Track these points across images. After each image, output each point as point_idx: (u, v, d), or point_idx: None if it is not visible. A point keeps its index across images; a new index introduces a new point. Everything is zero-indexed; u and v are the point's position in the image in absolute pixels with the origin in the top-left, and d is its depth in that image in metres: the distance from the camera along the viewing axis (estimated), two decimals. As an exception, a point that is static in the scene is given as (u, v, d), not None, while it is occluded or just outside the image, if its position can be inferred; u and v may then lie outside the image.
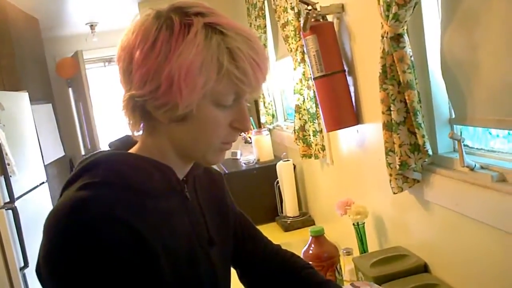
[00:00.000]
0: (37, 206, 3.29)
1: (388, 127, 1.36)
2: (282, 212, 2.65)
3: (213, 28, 0.74)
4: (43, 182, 3.51)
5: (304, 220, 2.52)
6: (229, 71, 0.74)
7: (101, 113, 5.50)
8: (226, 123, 0.80)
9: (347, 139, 1.89)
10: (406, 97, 1.27)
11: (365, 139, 1.72)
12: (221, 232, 0.95)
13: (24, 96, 3.47)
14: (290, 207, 2.57)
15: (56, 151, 4.31)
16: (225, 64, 0.73)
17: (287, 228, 2.49)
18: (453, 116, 1.33)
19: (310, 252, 1.54)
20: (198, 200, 0.92)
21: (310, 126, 2.11)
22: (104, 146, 4.95)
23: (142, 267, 0.72)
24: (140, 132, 0.84)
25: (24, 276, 2.83)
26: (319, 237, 1.55)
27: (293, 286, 1.03)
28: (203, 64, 0.73)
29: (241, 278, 1.09)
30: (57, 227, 0.71)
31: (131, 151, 0.85)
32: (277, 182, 2.63)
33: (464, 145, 1.20)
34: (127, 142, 0.88)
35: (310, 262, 1.49)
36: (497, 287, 1.11)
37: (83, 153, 5.36)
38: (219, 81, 0.74)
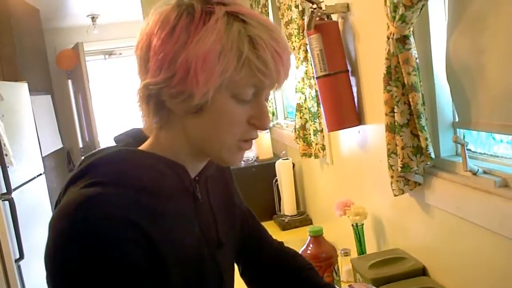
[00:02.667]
0: (34, 198, 3.28)
1: (391, 129, 1.35)
2: (280, 211, 2.64)
3: (234, 16, 0.71)
4: (40, 174, 3.50)
5: (302, 219, 2.51)
6: (249, 60, 0.70)
7: (100, 106, 5.48)
8: (244, 119, 0.76)
9: (348, 139, 1.88)
10: (410, 99, 1.27)
11: (367, 140, 1.72)
12: (229, 232, 0.94)
13: (23, 87, 3.45)
14: (288, 206, 2.56)
15: (54, 143, 4.30)
16: (245, 52, 0.70)
17: (285, 227, 2.48)
18: (457, 119, 1.32)
19: (308, 252, 1.53)
20: (209, 200, 0.88)
21: (311, 125, 2.10)
22: (102, 139, 4.91)
23: (151, 273, 0.70)
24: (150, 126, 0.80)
25: (19, 268, 2.82)
26: (317, 237, 1.54)
27: (293, 286, 1.03)
28: (222, 51, 0.69)
29: (242, 275, 1.08)
30: (61, 224, 0.67)
31: (142, 147, 0.82)
32: (276, 181, 2.62)
33: (467, 149, 1.19)
34: (138, 136, 0.84)
35: (309, 262, 1.49)
36: (496, 293, 1.11)
37: (81, 145, 5.34)
38: (238, 70, 0.71)
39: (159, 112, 0.75)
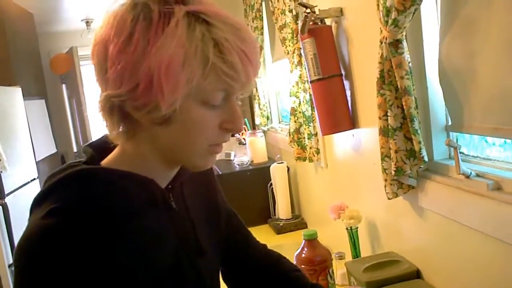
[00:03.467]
0: (28, 203, 3.22)
1: (384, 132, 1.35)
2: (274, 215, 2.65)
3: (196, 17, 0.66)
4: (34, 179, 3.48)
5: (297, 223, 2.51)
6: (216, 66, 0.67)
7: (94, 110, 5.47)
8: (215, 124, 0.73)
9: (342, 143, 1.89)
10: (403, 103, 1.27)
11: (361, 143, 1.72)
12: (212, 237, 0.91)
13: (17, 91, 3.44)
14: (283, 210, 2.57)
15: (48, 148, 4.28)
16: (211, 57, 0.66)
17: (280, 230, 2.48)
18: (450, 123, 1.33)
19: (303, 255, 1.53)
20: (187, 207, 0.85)
21: (305, 129, 2.11)
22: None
23: None
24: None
25: (12, 272, 2.80)
26: (312, 241, 1.54)
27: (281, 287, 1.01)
28: (186, 58, 0.65)
29: (225, 279, 1.05)
30: (21, 261, 0.66)
31: (108, 159, 0.78)
32: (271, 184, 2.62)
33: (460, 153, 1.20)
34: (104, 147, 0.79)
35: (303, 266, 1.50)
36: (489, 295, 1.11)
37: (75, 150, 5.32)
38: (205, 77, 0.67)
39: (124, 123, 0.72)
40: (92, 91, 5.57)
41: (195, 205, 0.88)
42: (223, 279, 1.05)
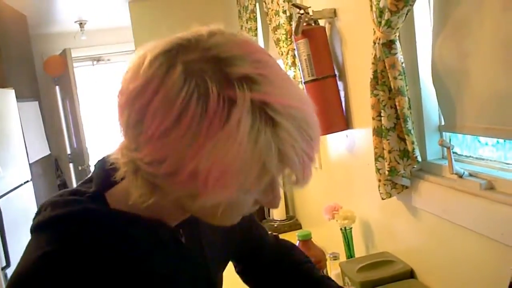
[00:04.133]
0: (21, 205, 3.24)
1: (378, 133, 1.36)
2: (269, 216, 2.64)
3: (261, 111, 0.54)
4: (27, 181, 3.46)
5: (291, 223, 2.51)
6: (274, 175, 0.58)
7: (88, 113, 5.45)
8: (251, 203, 0.65)
9: (336, 143, 1.89)
10: (397, 103, 1.28)
11: (354, 144, 1.73)
12: (223, 253, 0.89)
13: (10, 93, 3.42)
14: (277, 211, 2.56)
15: (41, 150, 4.26)
16: (272, 169, 0.56)
17: (274, 231, 2.46)
18: (443, 123, 1.33)
19: (298, 256, 1.53)
20: (201, 241, 0.81)
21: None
22: (90, 146, 4.86)
23: None
24: None
25: (6, 276, 2.78)
26: (306, 241, 1.55)
27: (291, 281, 1.01)
28: (244, 169, 0.55)
29: (239, 273, 1.05)
30: None
31: (115, 194, 0.70)
32: (265, 186, 2.62)
33: (453, 153, 1.21)
34: (105, 181, 0.70)
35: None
36: (483, 295, 1.12)
37: (69, 152, 5.30)
38: (257, 183, 0.57)
39: (148, 187, 0.62)
40: (85, 93, 5.52)
41: (208, 231, 0.83)
42: (237, 273, 1.05)
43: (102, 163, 0.72)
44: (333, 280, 1.02)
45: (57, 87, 5.31)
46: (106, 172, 0.68)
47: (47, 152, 4.46)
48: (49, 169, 4.58)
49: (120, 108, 0.60)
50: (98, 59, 5.66)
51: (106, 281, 0.65)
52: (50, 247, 0.64)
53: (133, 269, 0.68)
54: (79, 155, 4.87)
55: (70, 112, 5.04)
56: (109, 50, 5.24)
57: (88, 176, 0.76)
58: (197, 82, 0.54)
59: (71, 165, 5.27)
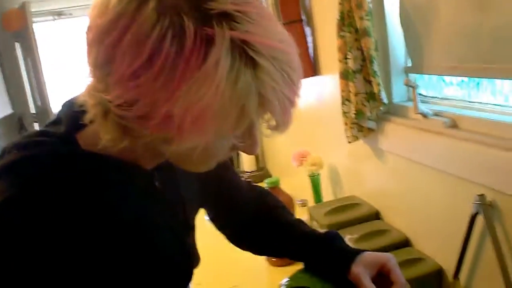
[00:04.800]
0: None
1: (344, 75, 1.34)
2: (239, 167, 2.64)
3: (242, 51, 0.51)
4: (-11, 140, 3.36)
5: (262, 174, 2.52)
6: (253, 120, 0.55)
7: (51, 70, 5.27)
8: (228, 148, 0.63)
9: (304, 91, 1.87)
10: (363, 45, 1.26)
11: (322, 90, 1.72)
12: (198, 197, 0.87)
13: (-35, 48, 3.26)
14: (247, 162, 2.56)
15: (3, 109, 4.12)
16: (251, 113, 0.53)
17: (244, 183, 2.49)
18: (409, 65, 1.33)
19: (266, 202, 1.54)
20: (175, 178, 0.78)
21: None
22: (55, 104, 4.73)
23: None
24: None
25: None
26: (274, 188, 1.55)
27: (265, 225, 0.98)
28: (222, 112, 0.52)
29: (212, 220, 1.02)
30: None
31: (87, 136, 0.65)
32: (234, 137, 2.61)
33: (419, 94, 1.21)
34: (75, 123, 0.64)
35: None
36: (444, 232, 1.14)
37: (33, 111, 5.15)
38: (235, 127, 0.55)
39: (119, 131, 0.58)
40: (47, 50, 5.30)
41: (186, 178, 0.80)
42: (210, 220, 1.02)
43: (70, 105, 0.67)
44: (306, 224, 1.02)
45: (17, 44, 5.10)
46: (75, 113, 0.63)
47: (10, 110, 4.32)
48: (13, 128, 4.46)
49: (88, 46, 0.55)
50: (59, 14, 5.44)
51: (76, 228, 0.61)
52: (12, 191, 0.58)
53: (105, 214, 0.64)
54: (45, 114, 4.74)
55: (32, 69, 4.87)
56: (71, 4, 5.03)
57: (54, 117, 0.69)
58: (171, 19, 0.49)
59: (36, 124, 5.13)
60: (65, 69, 5.61)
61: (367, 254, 0.81)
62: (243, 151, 0.65)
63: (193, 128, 0.52)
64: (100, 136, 0.59)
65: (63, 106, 0.69)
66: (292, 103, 0.57)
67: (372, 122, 1.33)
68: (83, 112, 0.59)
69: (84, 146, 0.65)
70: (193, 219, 0.86)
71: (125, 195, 0.68)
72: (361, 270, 0.77)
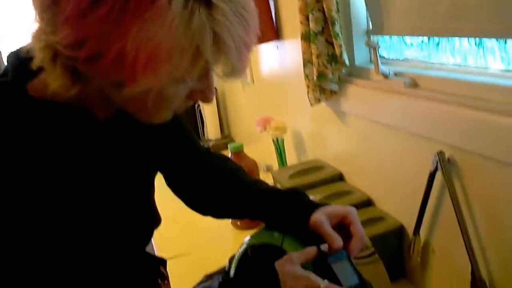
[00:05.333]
0: None
1: (306, 37, 1.33)
2: (203, 135, 2.63)
3: None
4: None
5: (227, 142, 2.51)
6: (208, 62, 0.54)
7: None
8: (184, 96, 0.62)
9: (268, 56, 1.86)
10: (324, 6, 1.24)
11: (285, 55, 1.70)
12: (155, 154, 0.85)
13: None
14: (212, 130, 2.55)
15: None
16: (206, 55, 0.53)
17: (209, 151, 2.47)
18: (371, 27, 1.32)
19: (230, 167, 1.53)
20: (134, 135, 0.77)
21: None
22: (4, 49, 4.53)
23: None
24: None
25: None
26: (238, 153, 1.54)
27: (225, 188, 0.97)
28: (175, 51, 0.51)
29: (170, 185, 1.00)
30: None
31: (37, 84, 0.62)
32: (198, 105, 2.57)
33: (380, 56, 1.21)
34: (23, 72, 0.62)
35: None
36: (405, 190, 1.16)
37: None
38: (190, 70, 0.54)
39: (68, 76, 0.56)
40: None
41: (142, 130, 0.79)
42: (168, 185, 1.00)
43: (16, 54, 0.64)
44: (266, 183, 1.02)
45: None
46: (22, 61, 0.60)
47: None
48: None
49: None
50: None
51: (25, 177, 0.59)
52: None
53: (56, 164, 0.62)
54: None
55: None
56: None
57: (1, 71, 0.66)
58: None
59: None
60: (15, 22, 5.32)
61: (327, 206, 0.81)
62: (200, 99, 0.64)
63: (146, 68, 0.51)
64: (49, 83, 0.57)
65: (9, 57, 0.65)
66: (247, 47, 0.57)
67: (334, 84, 1.33)
68: (31, 59, 0.56)
69: (34, 94, 0.62)
70: (153, 177, 0.84)
71: (77, 146, 0.65)
72: (322, 218, 0.78)
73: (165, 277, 0.88)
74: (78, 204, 0.65)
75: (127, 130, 0.75)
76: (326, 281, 0.70)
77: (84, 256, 0.67)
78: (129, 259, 0.79)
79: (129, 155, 0.76)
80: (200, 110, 2.57)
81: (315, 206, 0.81)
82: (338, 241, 0.76)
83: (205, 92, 0.62)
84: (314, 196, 1.30)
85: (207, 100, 0.64)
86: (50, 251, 0.63)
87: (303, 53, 1.35)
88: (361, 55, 1.35)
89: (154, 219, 0.84)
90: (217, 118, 2.54)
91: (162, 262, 0.89)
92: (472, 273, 0.95)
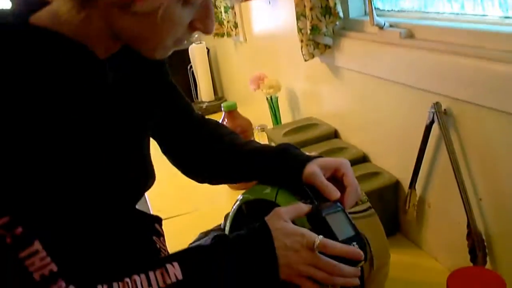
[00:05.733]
0: None
1: (299, -11, 1.29)
2: (197, 98, 2.59)
3: None
4: None
5: (220, 104, 2.47)
6: None
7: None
8: (186, 22, 0.65)
9: (260, 13, 1.81)
10: (317, -44, 1.20)
11: (278, 10, 1.65)
12: (155, 107, 0.85)
13: None
14: (205, 92, 2.51)
15: None
16: None
17: (203, 113, 2.39)
18: (365, -23, 1.28)
19: (223, 127, 1.51)
20: (128, 80, 0.76)
21: (220, 1, 1.99)
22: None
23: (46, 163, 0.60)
24: None
25: None
26: (231, 112, 1.52)
27: (218, 151, 0.96)
28: None
29: (165, 152, 1.00)
30: None
31: (39, 16, 0.62)
32: (190, 67, 2.53)
33: (375, 8, 1.17)
34: (26, 3, 0.63)
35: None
36: (401, 145, 1.15)
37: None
38: None
39: None
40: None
41: (137, 76, 0.79)
42: (163, 152, 0.99)
43: None
44: (258, 142, 1.00)
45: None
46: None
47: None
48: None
49: None
50: None
51: (15, 108, 0.57)
52: None
53: (56, 99, 0.61)
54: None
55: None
56: None
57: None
58: None
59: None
60: None
61: (320, 158, 0.80)
62: (201, 29, 0.66)
63: None
64: (58, 8, 0.58)
65: None
66: None
67: (328, 38, 1.29)
68: None
69: (37, 24, 0.62)
70: (148, 131, 0.82)
71: (74, 80, 0.65)
72: (316, 170, 0.76)
73: (160, 234, 0.88)
74: (71, 142, 0.63)
75: (126, 77, 0.75)
76: (321, 236, 0.69)
77: (76, 205, 0.65)
78: (123, 214, 0.78)
79: (126, 102, 0.75)
80: (192, 72, 2.52)
81: (307, 158, 0.79)
82: (334, 192, 0.75)
83: (205, 21, 0.65)
84: (309, 153, 1.28)
85: (207, 28, 0.66)
86: (39, 192, 0.61)
87: (296, 6, 1.30)
88: (355, 7, 1.30)
89: (147, 174, 0.83)
90: (210, 79, 2.50)
91: (157, 219, 0.89)
92: (468, 226, 0.94)
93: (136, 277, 0.64)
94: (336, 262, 0.69)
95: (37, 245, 0.57)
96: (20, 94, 0.57)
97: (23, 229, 0.56)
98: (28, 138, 0.57)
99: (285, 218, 0.71)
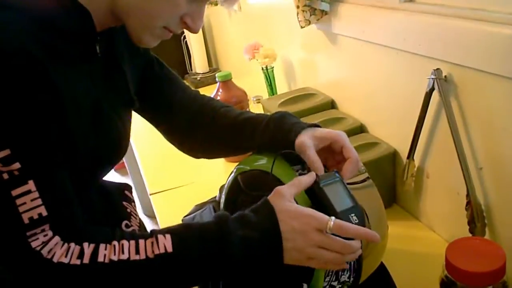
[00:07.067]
0: None
1: (294, -47, 1.24)
2: (191, 69, 2.55)
3: None
4: None
5: (215, 75, 2.44)
6: None
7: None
8: (179, 13, 0.68)
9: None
10: None
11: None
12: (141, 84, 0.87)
13: None
14: (199, 63, 2.47)
15: None
16: None
17: (197, 85, 2.40)
18: None
19: (218, 97, 1.48)
20: (116, 53, 0.78)
21: (214, -32, 1.92)
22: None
23: (51, 112, 0.61)
24: None
25: None
26: (226, 82, 1.48)
27: (212, 125, 0.94)
28: None
29: (158, 126, 0.99)
30: None
31: None
32: (184, 38, 2.47)
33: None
34: None
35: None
36: (399, 114, 1.12)
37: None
38: None
39: None
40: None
41: (125, 50, 0.81)
42: (160, 131, 0.98)
43: None
44: (253, 113, 0.97)
45: None
46: None
47: None
48: None
49: None
50: None
51: (40, 46, 0.59)
52: None
53: (59, 45, 0.63)
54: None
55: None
56: None
57: None
58: None
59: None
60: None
61: (316, 128, 0.78)
62: (188, 26, 0.70)
63: None
64: None
65: None
66: None
67: (325, 3, 1.25)
68: None
69: None
70: (131, 107, 0.82)
71: (77, 36, 0.67)
72: (307, 141, 0.74)
73: (131, 200, 0.90)
74: (64, 94, 0.63)
75: (113, 58, 0.77)
76: (333, 218, 0.66)
77: (66, 156, 0.65)
78: (94, 181, 0.80)
79: (111, 77, 0.76)
80: (186, 43, 2.47)
81: (302, 127, 0.76)
82: (319, 168, 0.73)
83: (196, 19, 0.69)
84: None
85: (195, 26, 0.70)
86: (38, 134, 0.61)
87: (291, -30, 1.26)
88: (353, -29, 1.26)
89: (126, 138, 0.83)
90: (204, 50, 2.46)
91: (127, 187, 0.91)
92: (468, 196, 0.92)
93: (124, 242, 0.63)
94: (346, 241, 0.66)
95: (30, 185, 0.58)
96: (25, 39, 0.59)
97: (21, 164, 0.57)
98: (30, 85, 0.59)
99: (289, 198, 0.67)
